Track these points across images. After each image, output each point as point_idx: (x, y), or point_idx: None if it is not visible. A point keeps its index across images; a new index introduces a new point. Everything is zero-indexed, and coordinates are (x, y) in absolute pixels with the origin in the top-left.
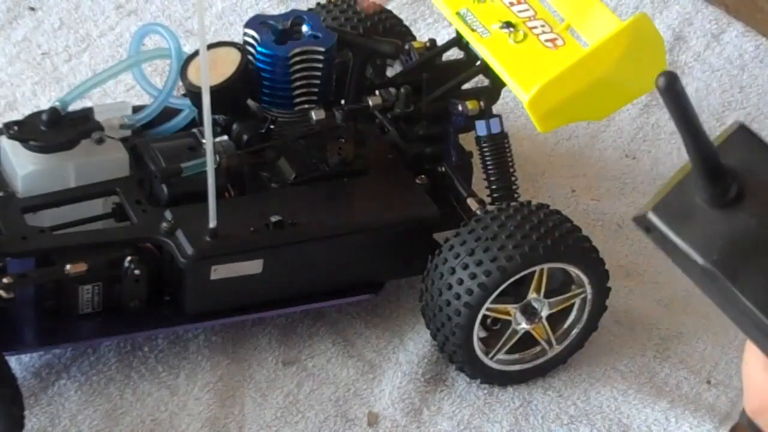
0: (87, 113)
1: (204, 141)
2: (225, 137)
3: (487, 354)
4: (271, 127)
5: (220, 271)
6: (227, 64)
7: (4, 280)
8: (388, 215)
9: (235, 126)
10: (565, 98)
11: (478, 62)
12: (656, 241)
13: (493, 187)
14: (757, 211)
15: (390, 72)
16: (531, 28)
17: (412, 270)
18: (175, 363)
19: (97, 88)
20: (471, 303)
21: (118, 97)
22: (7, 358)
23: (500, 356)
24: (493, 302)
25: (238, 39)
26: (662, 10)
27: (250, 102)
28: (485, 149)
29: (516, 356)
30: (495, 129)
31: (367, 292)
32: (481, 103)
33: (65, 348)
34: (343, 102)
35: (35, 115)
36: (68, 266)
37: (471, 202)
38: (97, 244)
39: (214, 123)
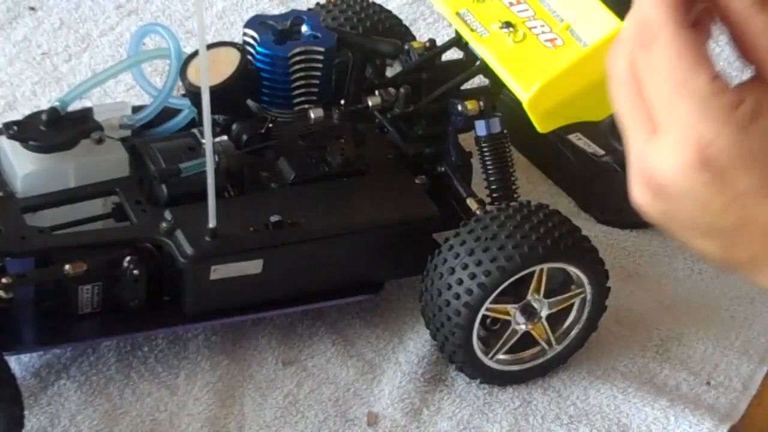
0: (87, 113)
1: (203, 141)
2: (224, 137)
3: (486, 354)
4: (270, 126)
5: (219, 271)
6: (227, 64)
7: (4, 280)
8: (388, 215)
9: (234, 126)
10: (564, 98)
11: (478, 62)
12: None
13: (493, 187)
14: None
15: (390, 72)
16: (530, 28)
17: (412, 270)
18: (174, 363)
19: (97, 88)
20: (470, 303)
21: (118, 97)
22: (7, 358)
23: (500, 356)
24: (492, 302)
25: (238, 39)
26: None
27: (249, 102)
28: (485, 149)
29: (516, 356)
30: (495, 129)
31: (367, 292)
32: (481, 103)
33: (65, 348)
34: (342, 102)
35: (35, 115)
36: (67, 266)
37: (470, 202)
38: (96, 244)
39: (214, 123)
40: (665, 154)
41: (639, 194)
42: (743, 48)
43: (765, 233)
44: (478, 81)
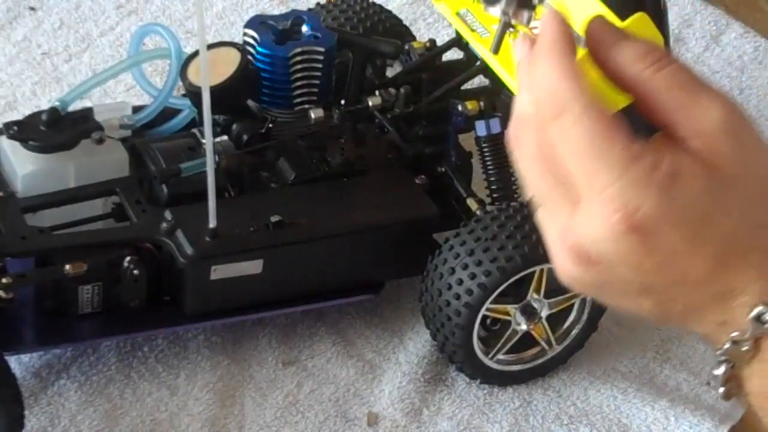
0: (87, 113)
1: (203, 141)
2: (225, 137)
3: (486, 354)
4: (270, 126)
5: (220, 271)
6: (227, 64)
7: (4, 280)
8: (388, 215)
9: (234, 126)
10: None
11: (478, 62)
12: None
13: (493, 187)
14: None
15: (390, 72)
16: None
17: (412, 270)
18: (175, 363)
19: (97, 88)
20: (471, 303)
21: (118, 97)
22: (7, 358)
23: (500, 356)
24: (492, 302)
25: (238, 39)
26: None
27: (250, 102)
28: (485, 149)
29: (516, 356)
30: (495, 129)
31: (367, 292)
32: (481, 104)
33: (65, 348)
34: (342, 102)
35: (35, 115)
36: (68, 266)
37: (471, 203)
38: (96, 244)
39: (214, 123)
40: (594, 224)
41: (569, 268)
42: (648, 111)
43: (696, 285)
44: (479, 81)
